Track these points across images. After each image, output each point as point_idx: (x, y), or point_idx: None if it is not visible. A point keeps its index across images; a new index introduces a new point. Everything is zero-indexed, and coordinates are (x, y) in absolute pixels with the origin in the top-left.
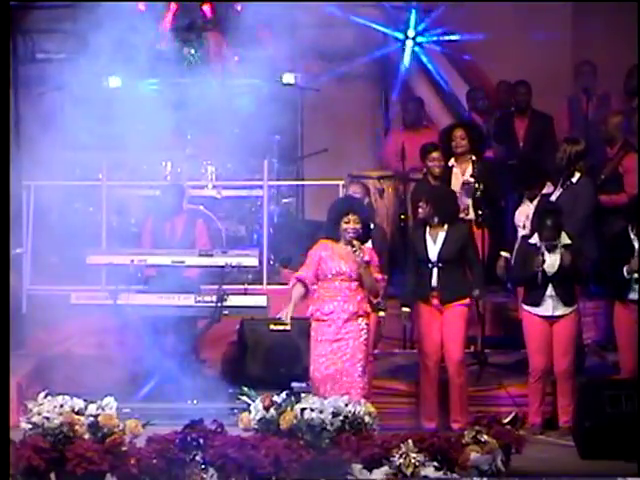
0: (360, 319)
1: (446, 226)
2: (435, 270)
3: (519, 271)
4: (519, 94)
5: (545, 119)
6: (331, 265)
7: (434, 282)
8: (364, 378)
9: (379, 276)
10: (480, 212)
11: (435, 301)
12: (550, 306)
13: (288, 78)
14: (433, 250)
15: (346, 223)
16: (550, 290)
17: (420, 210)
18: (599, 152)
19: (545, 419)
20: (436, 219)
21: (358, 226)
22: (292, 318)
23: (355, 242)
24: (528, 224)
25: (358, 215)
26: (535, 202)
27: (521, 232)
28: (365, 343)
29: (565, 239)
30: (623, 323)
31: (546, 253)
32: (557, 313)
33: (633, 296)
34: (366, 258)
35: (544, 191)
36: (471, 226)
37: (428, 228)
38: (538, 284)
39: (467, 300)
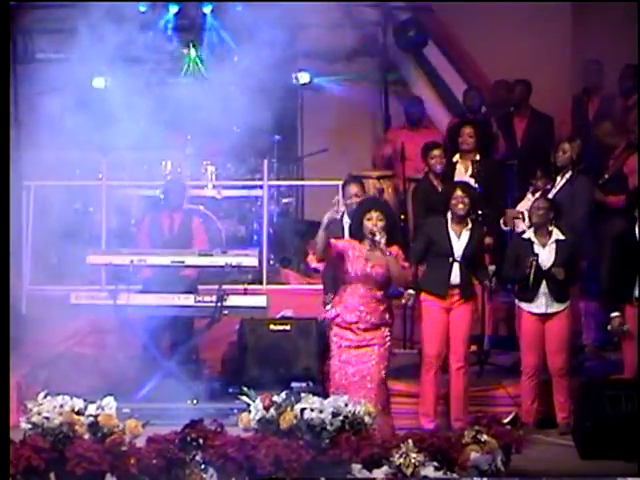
0: (383, 327)
1: (470, 224)
2: (456, 266)
3: (511, 267)
4: (517, 92)
5: (545, 119)
6: (357, 266)
7: (455, 278)
8: (386, 383)
9: (406, 264)
10: (480, 212)
11: (455, 297)
12: (543, 303)
13: (303, 77)
14: (458, 246)
15: (368, 220)
16: (544, 287)
17: (462, 204)
18: (600, 152)
19: (540, 418)
20: (468, 215)
21: (381, 223)
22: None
23: (377, 235)
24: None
25: (381, 212)
26: (537, 195)
27: (518, 225)
28: (389, 349)
29: (558, 235)
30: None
31: (540, 248)
32: (550, 310)
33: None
34: (393, 253)
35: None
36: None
37: (451, 223)
38: (530, 280)
39: (475, 296)
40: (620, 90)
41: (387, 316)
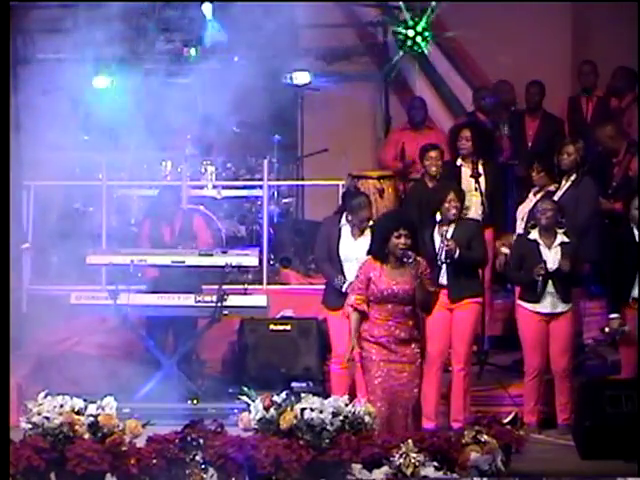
0: (413, 343)
1: (454, 223)
2: (444, 267)
3: (517, 268)
4: (531, 93)
5: (556, 122)
6: (382, 287)
7: (443, 279)
8: (419, 400)
9: (433, 289)
10: (484, 212)
11: (444, 298)
12: (550, 303)
13: (302, 77)
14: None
15: (397, 238)
16: (550, 287)
17: (454, 209)
18: (603, 155)
19: (541, 418)
20: (458, 218)
21: (410, 241)
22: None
23: (410, 253)
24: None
25: (409, 229)
26: (538, 197)
27: (520, 225)
28: (420, 367)
29: (563, 238)
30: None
31: (545, 250)
32: (557, 310)
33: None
34: (422, 270)
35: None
36: (480, 225)
37: (437, 226)
38: (538, 282)
39: (479, 298)
40: (609, 91)
41: (416, 332)
